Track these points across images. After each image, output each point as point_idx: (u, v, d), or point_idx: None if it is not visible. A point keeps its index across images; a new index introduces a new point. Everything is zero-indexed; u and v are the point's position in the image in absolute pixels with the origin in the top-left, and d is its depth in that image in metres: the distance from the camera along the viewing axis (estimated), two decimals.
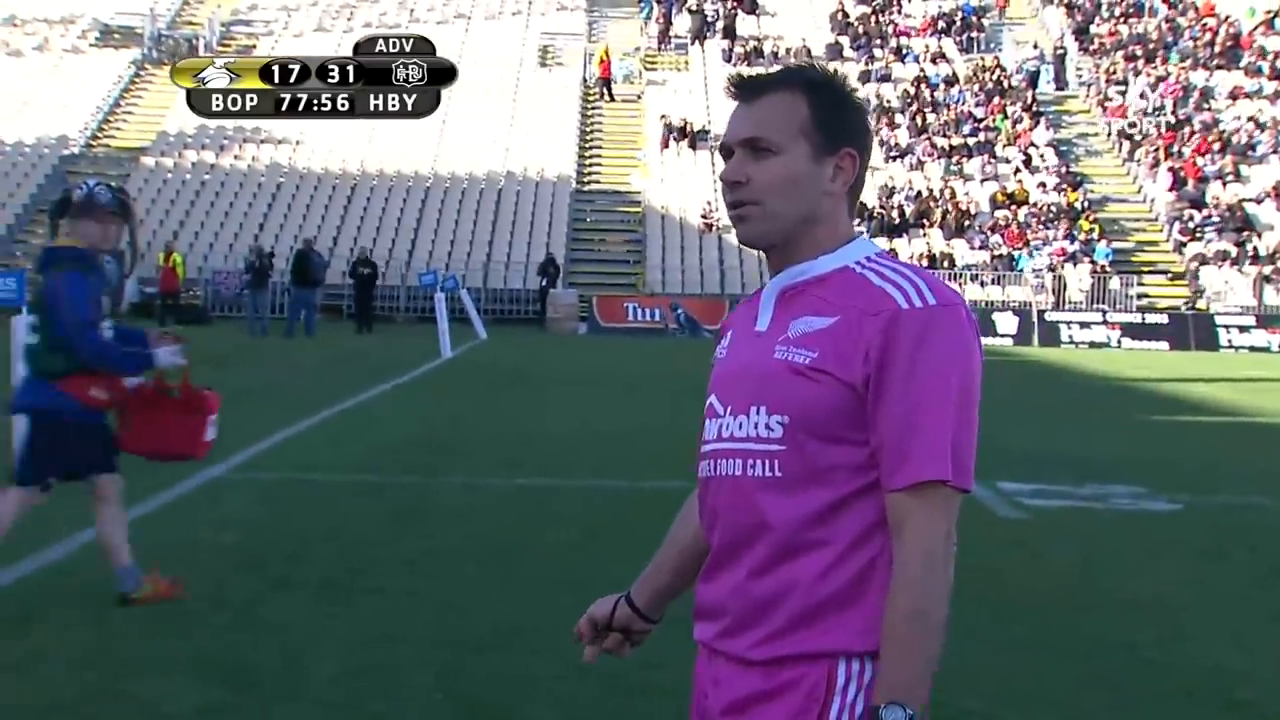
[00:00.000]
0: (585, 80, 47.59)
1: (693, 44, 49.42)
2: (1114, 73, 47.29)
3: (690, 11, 50.25)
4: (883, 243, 38.68)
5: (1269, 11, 49.98)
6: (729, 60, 48.05)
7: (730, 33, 49.30)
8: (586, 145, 44.95)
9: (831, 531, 2.15)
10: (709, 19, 50.13)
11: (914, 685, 2.08)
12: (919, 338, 2.11)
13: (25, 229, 39.53)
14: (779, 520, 2.17)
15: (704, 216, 40.36)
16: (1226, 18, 49.82)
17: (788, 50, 47.91)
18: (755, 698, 2.19)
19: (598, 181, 43.69)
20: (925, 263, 37.13)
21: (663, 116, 44.39)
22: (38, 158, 42.51)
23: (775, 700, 2.17)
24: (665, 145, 43.65)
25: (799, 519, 2.16)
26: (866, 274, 2.20)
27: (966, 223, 40.24)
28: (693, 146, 43.53)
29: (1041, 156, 43.22)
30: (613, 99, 47.02)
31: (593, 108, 46.71)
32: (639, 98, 47.01)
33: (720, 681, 2.24)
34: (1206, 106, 45.24)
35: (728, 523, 2.24)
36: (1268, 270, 38.24)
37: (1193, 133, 43.72)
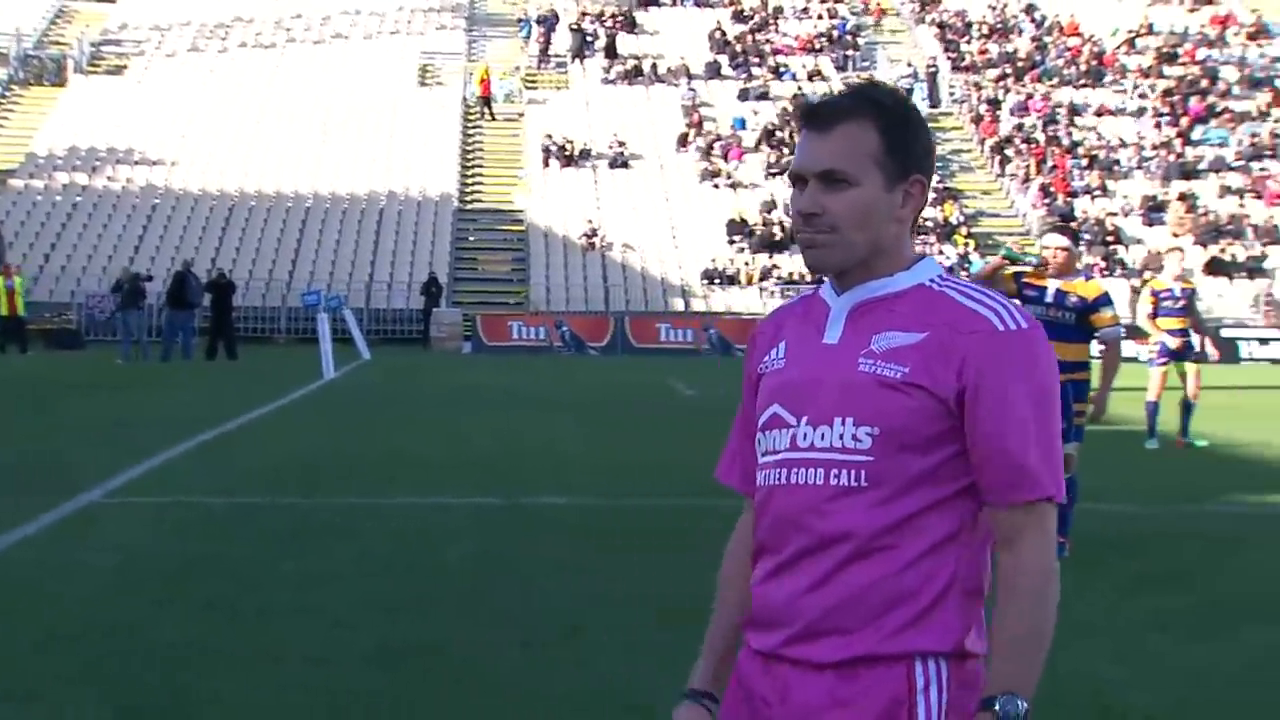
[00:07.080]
0: (465, 99, 47.48)
1: (573, 62, 49.57)
2: (985, 90, 48.31)
3: (571, 30, 50.39)
4: (764, 259, 39.13)
5: (1131, 31, 51.43)
6: (609, 79, 48.28)
7: (611, 51, 49.52)
8: (468, 164, 44.85)
9: (912, 538, 2.23)
10: (589, 38, 50.30)
11: (1029, 682, 2.23)
12: (1021, 360, 2.23)
13: None
14: (861, 527, 2.23)
15: (586, 235, 40.46)
16: (1090, 37, 51.19)
17: (668, 69, 48.24)
18: (831, 703, 2.23)
19: (480, 200, 43.60)
20: (808, 279, 37.58)
21: (544, 135, 44.45)
22: None
23: (854, 706, 2.22)
24: (546, 164, 43.70)
25: (881, 526, 2.23)
26: (946, 292, 2.29)
27: None
28: (574, 165, 43.64)
29: None
30: (493, 118, 46.99)
31: (473, 127, 46.62)
32: (520, 116, 47.02)
33: (790, 688, 2.26)
34: (1074, 124, 46.40)
35: (800, 529, 2.27)
36: (1136, 283, 39.28)
37: (1061, 149, 44.82)
